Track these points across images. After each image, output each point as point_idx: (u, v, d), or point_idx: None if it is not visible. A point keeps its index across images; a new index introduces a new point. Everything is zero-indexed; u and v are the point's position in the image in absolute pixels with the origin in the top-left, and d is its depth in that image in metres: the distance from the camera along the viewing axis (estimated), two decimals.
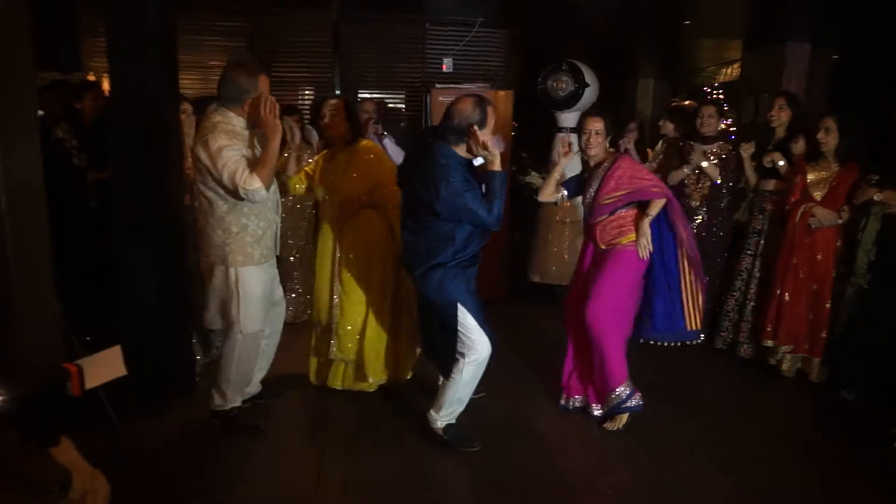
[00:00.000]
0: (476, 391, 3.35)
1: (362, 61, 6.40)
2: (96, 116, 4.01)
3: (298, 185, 3.33)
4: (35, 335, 2.07)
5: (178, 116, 3.39)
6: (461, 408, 2.94)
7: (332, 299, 3.34)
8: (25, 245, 2.04)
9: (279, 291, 3.20)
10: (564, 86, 5.07)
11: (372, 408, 3.27)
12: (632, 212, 3.13)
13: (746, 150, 4.03)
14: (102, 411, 2.72)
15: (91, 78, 5.52)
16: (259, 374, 3.29)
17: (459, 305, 2.73)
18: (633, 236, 3.10)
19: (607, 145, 3.18)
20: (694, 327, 3.20)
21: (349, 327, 3.31)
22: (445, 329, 2.77)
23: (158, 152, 3.10)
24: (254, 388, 3.27)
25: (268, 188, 2.66)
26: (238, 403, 3.06)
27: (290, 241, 4.50)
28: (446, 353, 2.82)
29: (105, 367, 2.26)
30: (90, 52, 5.95)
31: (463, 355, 2.78)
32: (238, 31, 6.30)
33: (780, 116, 4.00)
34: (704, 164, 4.18)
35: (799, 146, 3.92)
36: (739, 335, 4.07)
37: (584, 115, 3.22)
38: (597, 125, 3.08)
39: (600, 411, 3.19)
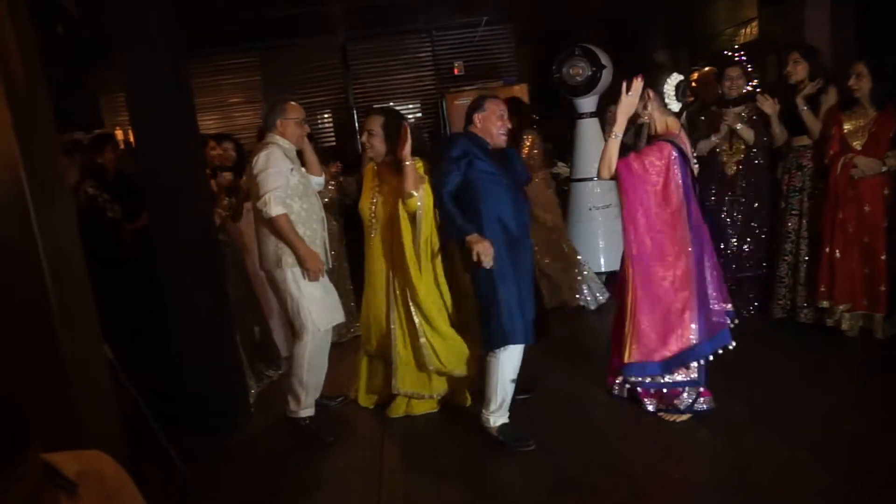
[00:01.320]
0: (525, 394, 3.33)
1: (373, 76, 6.46)
2: (118, 170, 4.15)
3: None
4: (88, 391, 2.13)
5: (203, 158, 3.55)
6: (508, 397, 2.90)
7: (389, 326, 3.19)
8: (71, 303, 2.11)
9: (335, 294, 3.27)
10: (581, 71, 5.00)
11: (426, 423, 3.25)
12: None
13: (770, 106, 3.84)
14: (163, 453, 2.77)
15: (106, 132, 5.71)
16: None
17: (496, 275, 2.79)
18: None
19: (655, 115, 2.95)
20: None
21: (407, 355, 3.20)
22: (482, 301, 2.88)
23: (188, 196, 3.19)
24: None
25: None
26: (311, 413, 3.16)
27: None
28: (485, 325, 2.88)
29: None
30: (110, 109, 6.18)
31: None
32: (250, 66, 6.44)
33: (798, 71, 3.80)
34: (738, 126, 4.01)
35: (831, 96, 3.74)
36: (798, 299, 3.88)
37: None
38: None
39: (653, 407, 3.01)
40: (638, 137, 4.29)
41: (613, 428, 2.98)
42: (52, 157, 2.18)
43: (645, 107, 2.91)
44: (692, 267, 2.83)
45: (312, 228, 3.08)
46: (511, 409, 2.93)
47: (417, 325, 3.11)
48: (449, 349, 3.14)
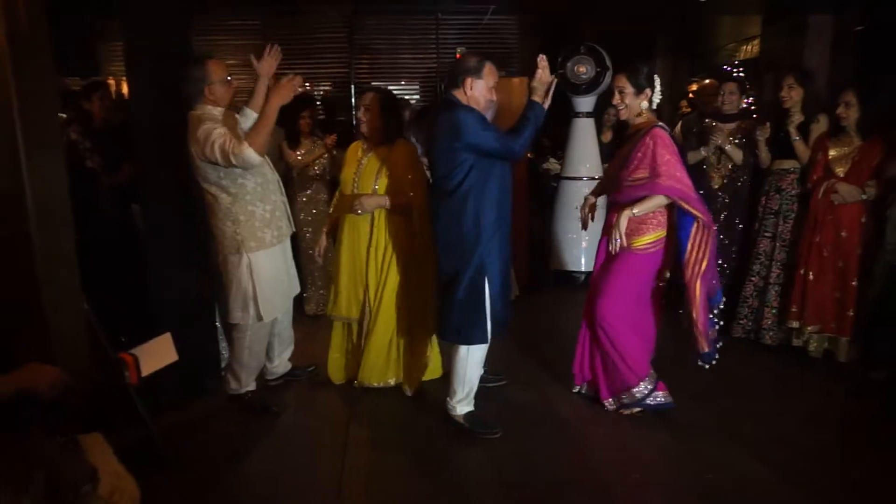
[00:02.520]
0: (497, 379, 3.40)
1: (376, 54, 6.42)
2: (104, 119, 4.04)
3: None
4: (66, 339, 2.13)
5: None
6: (474, 387, 2.94)
7: (366, 299, 3.25)
8: (53, 253, 2.10)
9: (294, 270, 3.28)
10: (586, 70, 5.01)
11: (395, 401, 3.29)
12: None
13: (762, 133, 3.86)
14: (133, 409, 2.78)
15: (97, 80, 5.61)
16: (286, 351, 3.46)
17: (484, 274, 2.75)
18: (650, 237, 2.87)
19: (644, 105, 2.88)
20: (704, 349, 2.92)
21: (382, 331, 3.25)
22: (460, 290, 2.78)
23: (178, 153, 3.15)
24: (282, 367, 3.46)
25: (262, 152, 2.72)
26: (252, 387, 3.18)
27: (308, 235, 4.53)
28: (453, 314, 2.83)
29: (158, 354, 2.35)
30: (107, 57, 6.07)
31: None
32: (251, 29, 6.36)
33: (792, 96, 3.80)
34: (727, 146, 4.06)
35: (820, 125, 3.77)
36: (763, 321, 3.90)
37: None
38: (620, 83, 2.91)
39: (613, 406, 3.09)
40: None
41: (579, 424, 3.04)
42: (50, 103, 2.15)
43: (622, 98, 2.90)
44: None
45: (271, 201, 2.97)
46: (477, 399, 2.98)
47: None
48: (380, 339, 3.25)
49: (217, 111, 2.87)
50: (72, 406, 1.72)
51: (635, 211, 2.79)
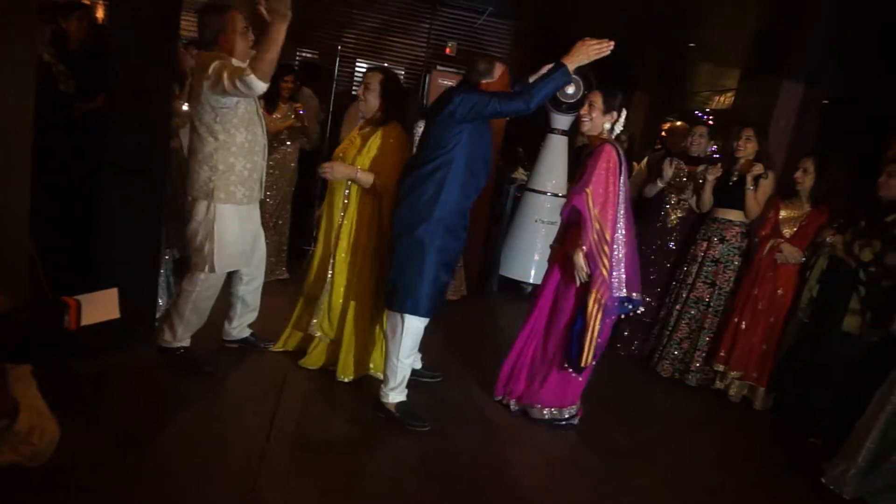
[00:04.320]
0: (433, 374, 3.44)
1: (368, 31, 6.35)
2: (82, 42, 3.84)
3: None
4: (5, 265, 2.04)
5: (176, 52, 3.36)
6: (407, 376, 2.96)
7: (327, 273, 3.24)
8: (6, 175, 2.01)
9: (262, 239, 3.25)
10: (574, 91, 5.10)
11: (331, 382, 3.27)
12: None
13: (713, 172, 3.97)
14: (66, 350, 2.68)
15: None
16: (248, 316, 3.39)
17: (426, 247, 2.76)
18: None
19: (606, 126, 2.99)
20: (586, 363, 2.96)
21: (335, 307, 3.24)
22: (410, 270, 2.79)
23: (152, 85, 3.04)
24: (240, 332, 3.39)
25: (267, 80, 2.63)
26: (186, 343, 3.11)
27: (269, 201, 4.46)
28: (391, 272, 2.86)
29: (101, 306, 2.26)
30: None
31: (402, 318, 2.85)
32: None
33: (746, 147, 3.96)
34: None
35: (768, 182, 3.88)
36: (692, 364, 4.02)
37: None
38: (593, 97, 3.00)
39: (517, 408, 3.20)
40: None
41: (506, 429, 3.12)
42: (25, 17, 2.05)
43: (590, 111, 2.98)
44: None
45: (253, 161, 2.97)
46: (411, 392, 3.01)
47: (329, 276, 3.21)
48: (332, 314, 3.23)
49: (232, 61, 2.78)
50: (4, 332, 1.65)
51: (584, 248, 2.86)
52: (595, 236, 2.85)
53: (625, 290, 2.94)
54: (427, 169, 2.78)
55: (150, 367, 3.05)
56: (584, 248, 2.85)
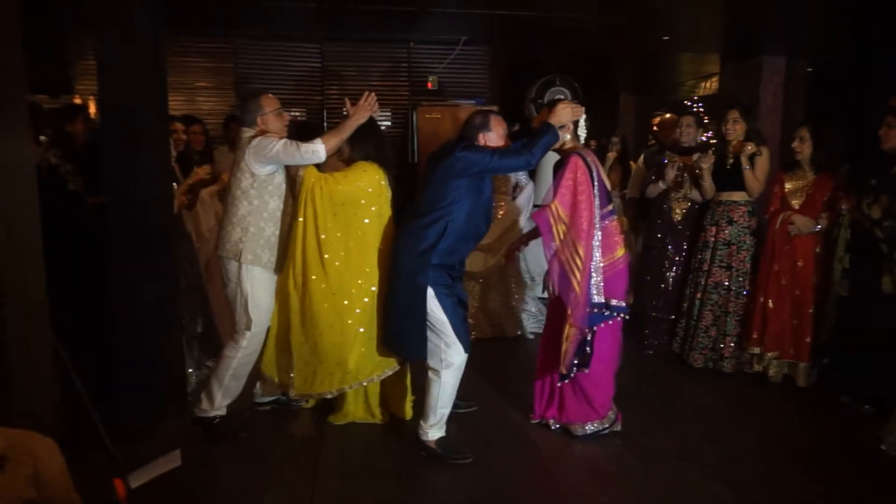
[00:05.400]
0: (467, 403, 3.41)
1: (349, 80, 6.48)
2: (86, 141, 3.97)
3: None
4: (29, 365, 2.07)
5: (167, 134, 3.50)
6: (447, 411, 2.95)
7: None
8: (21, 276, 2.05)
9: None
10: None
11: (366, 426, 3.26)
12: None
13: (706, 161, 3.98)
14: (95, 431, 2.69)
15: (78, 101, 5.53)
16: None
17: (431, 293, 2.79)
18: (606, 259, 2.93)
19: (567, 137, 3.01)
20: (563, 371, 2.95)
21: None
22: (414, 317, 2.82)
23: (148, 176, 3.15)
24: (274, 392, 3.42)
25: (329, 153, 2.94)
26: (223, 412, 3.13)
27: None
28: (415, 340, 2.87)
29: (160, 465, 2.35)
30: (79, 74, 5.98)
31: (438, 366, 2.86)
32: (224, 52, 6.36)
33: (736, 129, 3.96)
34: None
35: (763, 158, 3.87)
36: (724, 350, 3.97)
37: None
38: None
39: (558, 426, 3.19)
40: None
41: (547, 450, 3.07)
42: (19, 122, 2.12)
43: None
44: None
45: (281, 228, 3.09)
46: (448, 424, 2.99)
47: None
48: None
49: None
50: None
51: (555, 272, 2.89)
52: (566, 253, 2.85)
53: (603, 297, 2.91)
54: (426, 220, 2.82)
55: (186, 439, 3.04)
56: (553, 273, 2.88)
